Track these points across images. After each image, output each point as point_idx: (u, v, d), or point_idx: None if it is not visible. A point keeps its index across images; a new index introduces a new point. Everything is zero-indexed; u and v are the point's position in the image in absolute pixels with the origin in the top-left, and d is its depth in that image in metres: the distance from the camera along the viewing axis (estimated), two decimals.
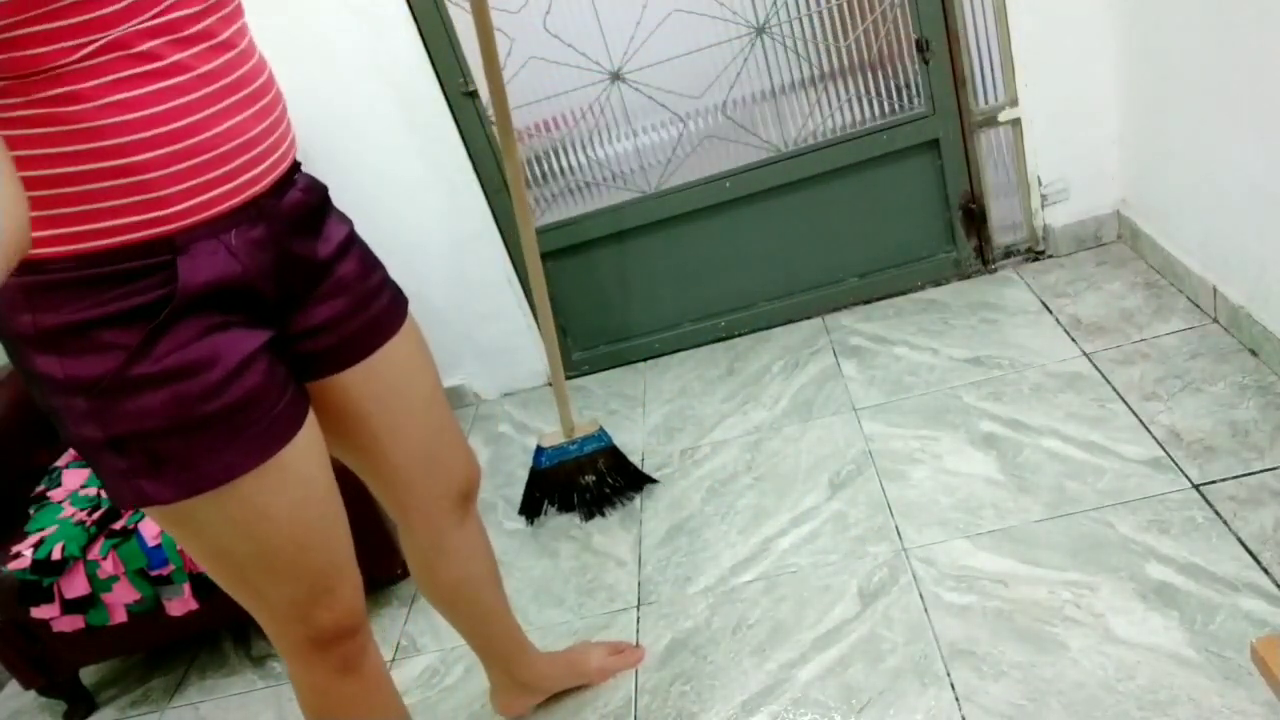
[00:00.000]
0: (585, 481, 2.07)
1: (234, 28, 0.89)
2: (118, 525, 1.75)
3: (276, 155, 0.95)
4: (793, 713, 1.49)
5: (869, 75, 2.33)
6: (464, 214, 2.44)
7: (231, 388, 0.89)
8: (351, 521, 1.83)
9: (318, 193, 1.05)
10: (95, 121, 0.78)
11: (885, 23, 2.27)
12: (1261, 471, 1.63)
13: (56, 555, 1.72)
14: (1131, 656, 1.40)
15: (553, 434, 2.07)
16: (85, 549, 1.73)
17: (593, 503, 2.07)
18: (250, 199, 0.91)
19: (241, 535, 0.96)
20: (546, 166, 2.43)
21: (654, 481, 2.10)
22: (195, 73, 0.83)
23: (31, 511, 1.86)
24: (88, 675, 2.06)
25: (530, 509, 2.12)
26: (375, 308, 1.09)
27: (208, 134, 0.84)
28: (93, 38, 0.76)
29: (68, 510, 1.82)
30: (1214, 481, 1.64)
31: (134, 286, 0.83)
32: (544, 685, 1.62)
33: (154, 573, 1.74)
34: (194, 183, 0.84)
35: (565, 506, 2.10)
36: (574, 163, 2.43)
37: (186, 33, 0.82)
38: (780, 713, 1.50)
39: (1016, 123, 2.35)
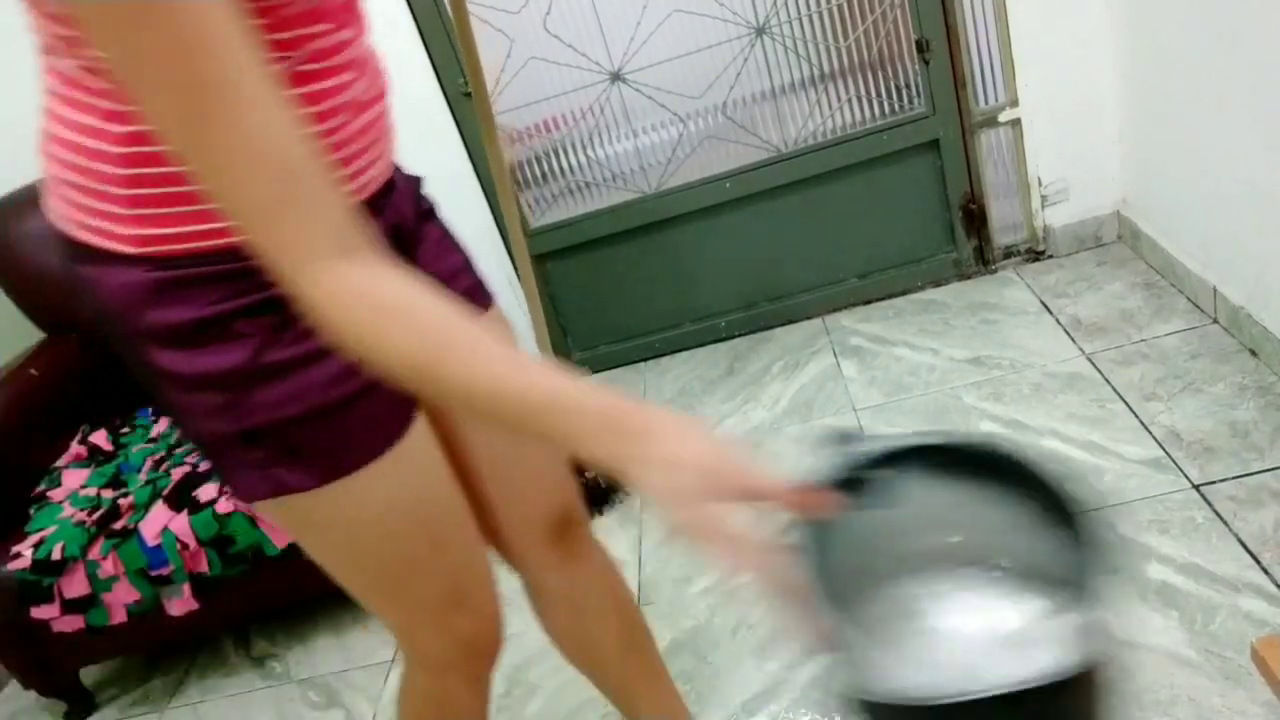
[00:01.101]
0: (583, 479, 2.03)
1: (370, 44, 0.90)
2: (118, 525, 1.75)
3: (389, 154, 0.95)
4: (793, 713, 1.49)
5: (869, 75, 2.33)
6: (464, 214, 2.42)
7: (355, 374, 0.87)
8: None
9: (414, 184, 1.05)
10: None
11: (885, 23, 2.27)
12: (1261, 472, 1.63)
13: (56, 555, 1.71)
14: (1131, 656, 1.40)
15: None
16: (85, 549, 1.73)
17: (590, 501, 2.05)
18: (370, 196, 0.91)
19: (369, 529, 0.94)
20: (546, 166, 2.43)
21: None
22: (348, 84, 0.83)
23: (31, 511, 1.86)
24: (88, 675, 2.05)
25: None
26: (458, 286, 1.04)
27: (349, 138, 0.85)
28: (288, 53, 0.76)
29: (68, 510, 1.82)
30: (1214, 482, 1.64)
31: (267, 279, 0.79)
32: None
33: (154, 573, 1.74)
34: (358, 160, 0.86)
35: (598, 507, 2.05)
36: (574, 163, 2.43)
37: (345, 56, 0.83)
38: (780, 713, 1.50)
39: (1016, 123, 2.35)
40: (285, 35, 0.75)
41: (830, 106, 2.36)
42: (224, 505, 1.73)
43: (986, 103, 2.34)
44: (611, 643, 1.26)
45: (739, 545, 0.62)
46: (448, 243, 1.05)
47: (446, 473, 1.00)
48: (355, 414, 0.88)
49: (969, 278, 2.50)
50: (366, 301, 0.66)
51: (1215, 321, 2.02)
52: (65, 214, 0.82)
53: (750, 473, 0.64)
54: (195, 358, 0.82)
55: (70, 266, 0.84)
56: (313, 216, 0.64)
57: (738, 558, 0.62)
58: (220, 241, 0.80)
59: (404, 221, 0.97)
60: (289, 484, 0.88)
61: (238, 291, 0.81)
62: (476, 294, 1.06)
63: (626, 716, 1.33)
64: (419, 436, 0.95)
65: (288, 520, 0.94)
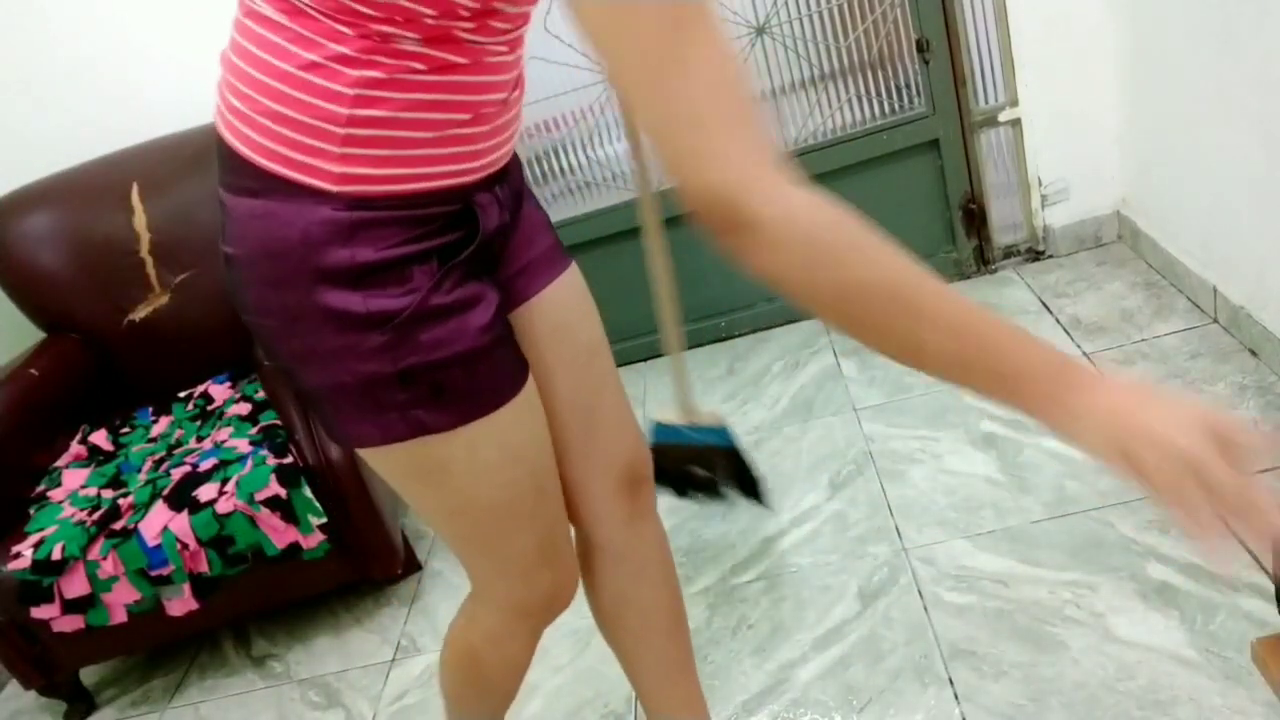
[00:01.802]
0: (698, 474, 1.76)
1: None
2: (118, 525, 1.75)
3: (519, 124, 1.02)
4: (793, 713, 1.49)
5: (869, 75, 2.33)
6: None
7: (497, 323, 0.94)
8: (352, 520, 1.84)
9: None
10: (466, 77, 0.85)
11: (885, 23, 2.27)
12: (1261, 471, 1.62)
13: (56, 555, 1.71)
14: (1131, 656, 1.40)
15: (671, 414, 1.81)
16: (85, 549, 1.73)
17: (702, 497, 1.81)
18: (505, 160, 0.99)
19: (490, 474, 0.98)
20: (546, 166, 2.43)
21: (765, 506, 1.85)
22: (515, 58, 0.91)
23: (31, 511, 1.85)
24: (88, 675, 2.05)
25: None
26: (540, 245, 1.09)
27: (507, 105, 0.92)
28: (473, 24, 0.82)
29: (68, 510, 1.82)
30: None
31: (440, 226, 0.89)
32: None
33: (154, 573, 1.74)
34: (494, 142, 0.92)
35: (675, 489, 1.80)
36: (574, 163, 2.43)
37: (520, 29, 0.90)
38: (780, 713, 1.50)
39: (1016, 123, 2.35)
40: (517, 9, 0.85)
41: (830, 106, 2.36)
42: (224, 505, 1.73)
43: (986, 102, 2.34)
44: (662, 618, 1.27)
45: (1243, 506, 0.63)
46: (533, 200, 1.12)
47: (546, 423, 1.05)
48: (494, 360, 0.94)
49: (969, 277, 2.50)
50: (823, 221, 0.69)
51: (1215, 321, 2.02)
52: (259, 144, 0.84)
53: (1230, 427, 0.64)
54: (370, 297, 0.86)
55: (247, 199, 0.86)
56: (764, 137, 0.67)
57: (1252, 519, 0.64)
58: (412, 186, 0.86)
59: (514, 178, 1.04)
60: (429, 425, 0.91)
61: (414, 237, 0.87)
62: (558, 250, 1.13)
63: (650, 702, 1.32)
64: (532, 385, 1.00)
65: (410, 464, 0.97)
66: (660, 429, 1.80)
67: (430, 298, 0.88)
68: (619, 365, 2.78)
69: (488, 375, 0.94)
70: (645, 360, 2.64)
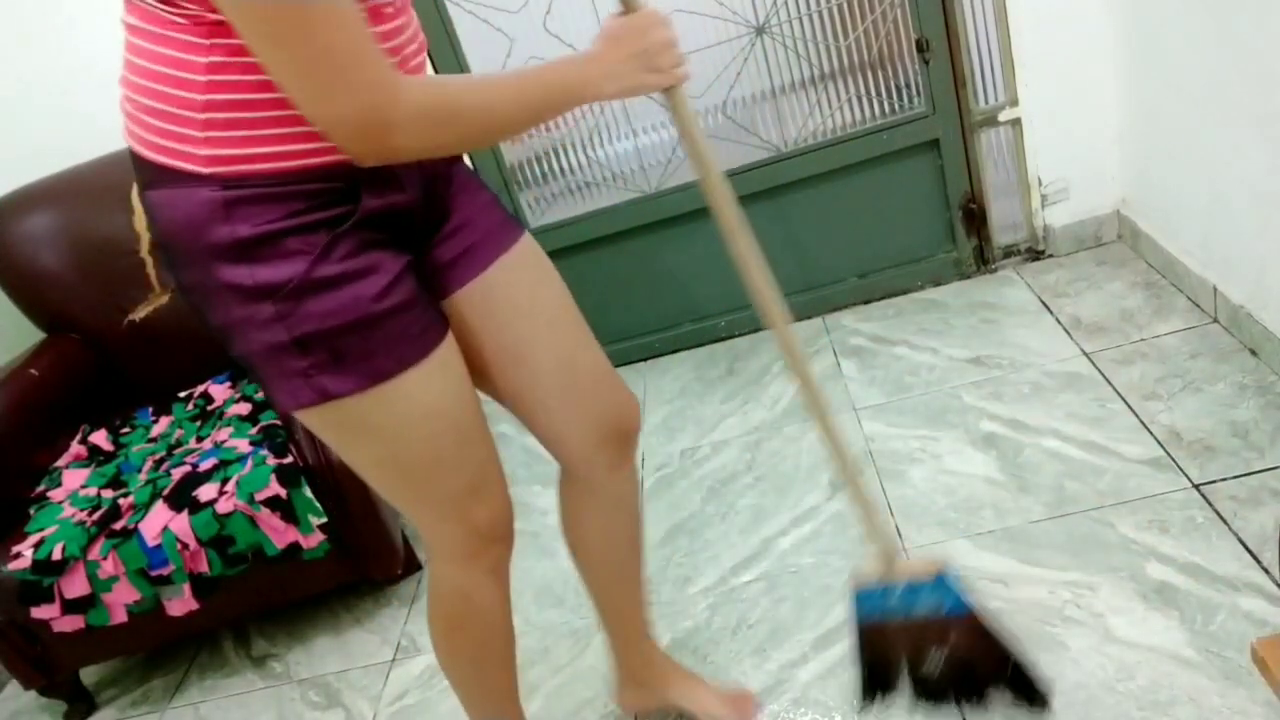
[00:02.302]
0: (928, 659, 1.22)
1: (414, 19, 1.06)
2: (118, 525, 1.75)
3: None
4: (793, 713, 1.49)
5: (869, 75, 2.33)
6: None
7: (394, 291, 0.99)
8: (352, 520, 1.84)
9: None
10: None
11: (885, 23, 2.27)
12: (1261, 471, 1.63)
13: (57, 555, 1.72)
14: (1131, 656, 1.40)
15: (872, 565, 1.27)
16: (85, 549, 1.73)
17: (942, 694, 1.24)
18: None
19: (408, 429, 1.04)
20: (546, 166, 2.44)
21: (1043, 703, 1.19)
22: (401, 30, 0.98)
23: (31, 511, 1.86)
24: (88, 675, 2.05)
25: (871, 688, 1.29)
26: (487, 221, 1.15)
27: None
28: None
29: (68, 510, 1.82)
30: (1214, 481, 1.64)
31: (323, 202, 0.95)
32: (657, 686, 1.50)
33: (154, 573, 1.74)
34: None
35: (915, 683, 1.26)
36: (574, 163, 2.43)
37: (400, 19, 0.98)
38: (780, 713, 1.50)
39: (1016, 123, 2.35)
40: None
41: (830, 106, 2.36)
42: (224, 505, 1.73)
43: (986, 102, 2.34)
44: (627, 540, 1.38)
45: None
46: (475, 182, 1.17)
47: (468, 379, 1.11)
48: (394, 326, 1.00)
49: (969, 277, 2.50)
50: (436, 91, 0.90)
51: (1215, 321, 2.02)
52: (143, 138, 0.93)
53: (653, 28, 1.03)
54: (255, 270, 0.93)
55: (149, 193, 0.95)
56: (376, 58, 0.84)
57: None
58: (281, 165, 0.92)
59: (438, 167, 1.09)
60: (331, 390, 0.98)
61: (293, 211, 0.93)
62: (508, 225, 1.18)
63: (609, 618, 1.45)
64: (448, 349, 1.07)
65: (327, 425, 1.05)
66: (861, 598, 1.27)
67: (316, 269, 0.94)
68: (619, 365, 2.79)
69: (385, 341, 0.99)
70: (645, 360, 2.64)
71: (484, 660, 1.29)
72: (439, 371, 1.05)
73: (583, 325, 1.24)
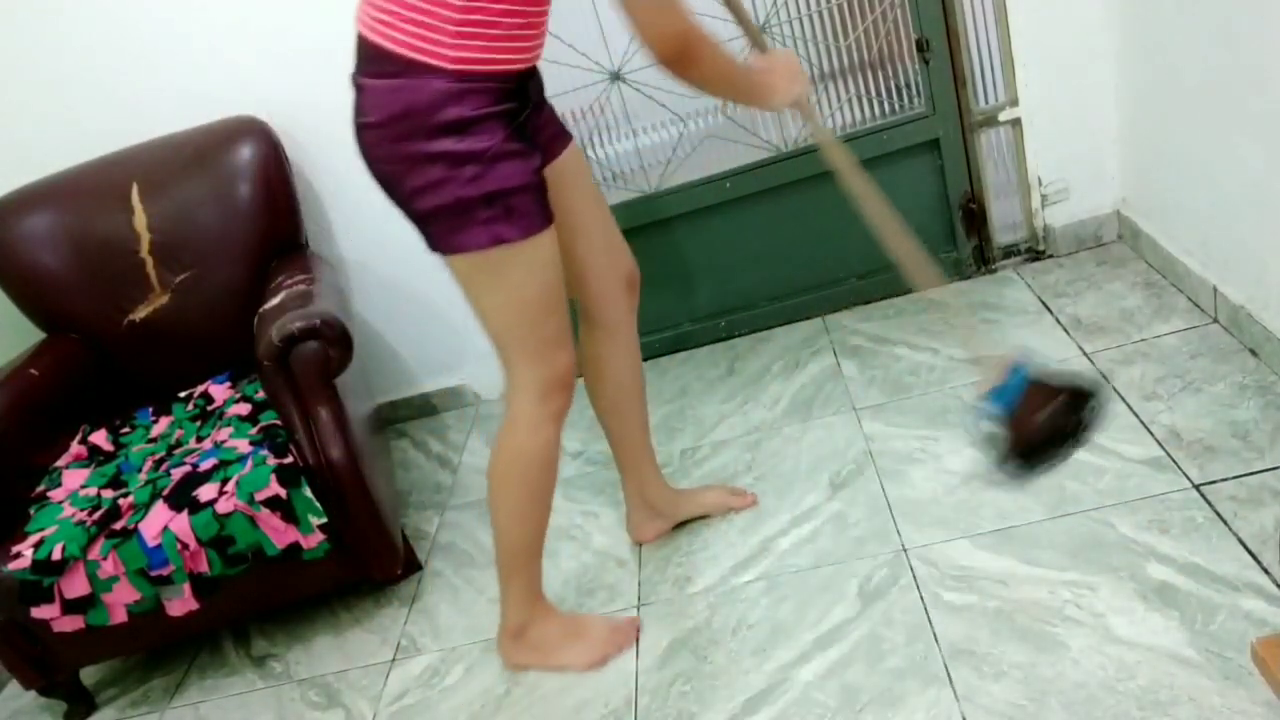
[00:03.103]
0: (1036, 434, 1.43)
1: None
2: (118, 525, 1.75)
3: None
4: (793, 713, 1.49)
5: (869, 75, 2.33)
6: None
7: (540, 169, 1.38)
8: (352, 520, 1.84)
9: None
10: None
11: (885, 23, 2.27)
12: (1262, 471, 1.63)
13: (57, 555, 1.71)
14: (1131, 656, 1.40)
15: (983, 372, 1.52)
16: (85, 549, 1.73)
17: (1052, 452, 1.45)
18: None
19: (534, 276, 1.41)
20: None
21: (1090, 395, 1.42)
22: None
23: (31, 511, 1.85)
24: (88, 675, 2.05)
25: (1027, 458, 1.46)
26: (556, 125, 1.56)
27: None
28: None
29: (68, 510, 1.82)
30: (1214, 481, 1.64)
31: (511, 95, 1.34)
32: (669, 510, 1.91)
33: (154, 573, 1.74)
34: (543, 32, 1.37)
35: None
36: None
37: None
38: (780, 713, 1.50)
39: (1016, 123, 2.35)
40: None
41: (830, 106, 2.36)
42: (224, 505, 1.73)
43: (986, 102, 2.34)
44: (637, 378, 1.80)
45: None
46: (545, 101, 1.55)
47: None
48: (541, 194, 1.38)
49: (969, 277, 2.50)
50: (715, 49, 1.32)
51: (1215, 321, 2.02)
52: (396, 38, 1.28)
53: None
54: (465, 140, 1.29)
55: (385, 80, 1.30)
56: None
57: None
58: (499, 68, 1.30)
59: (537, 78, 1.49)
60: (502, 236, 1.35)
61: (495, 101, 1.31)
62: (564, 129, 1.58)
63: (626, 456, 1.85)
64: (553, 225, 1.43)
65: (477, 270, 1.39)
66: (999, 396, 1.46)
67: (505, 144, 1.31)
68: None
69: (539, 204, 1.38)
70: (645, 360, 2.63)
71: (541, 495, 1.58)
72: (553, 236, 1.42)
73: (606, 202, 1.68)
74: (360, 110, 1.34)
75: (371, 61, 1.32)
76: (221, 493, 1.74)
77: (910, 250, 1.53)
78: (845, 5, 2.25)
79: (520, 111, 1.35)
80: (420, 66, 1.27)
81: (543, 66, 1.49)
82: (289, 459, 1.78)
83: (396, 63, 1.28)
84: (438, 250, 1.39)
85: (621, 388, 1.77)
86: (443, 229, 1.35)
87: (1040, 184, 2.40)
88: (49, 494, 1.90)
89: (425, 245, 1.41)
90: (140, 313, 2.20)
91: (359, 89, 1.34)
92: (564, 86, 2.30)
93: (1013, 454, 1.45)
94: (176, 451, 1.96)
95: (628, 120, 2.38)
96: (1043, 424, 1.41)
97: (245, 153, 2.18)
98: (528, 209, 1.36)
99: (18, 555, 1.74)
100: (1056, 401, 1.41)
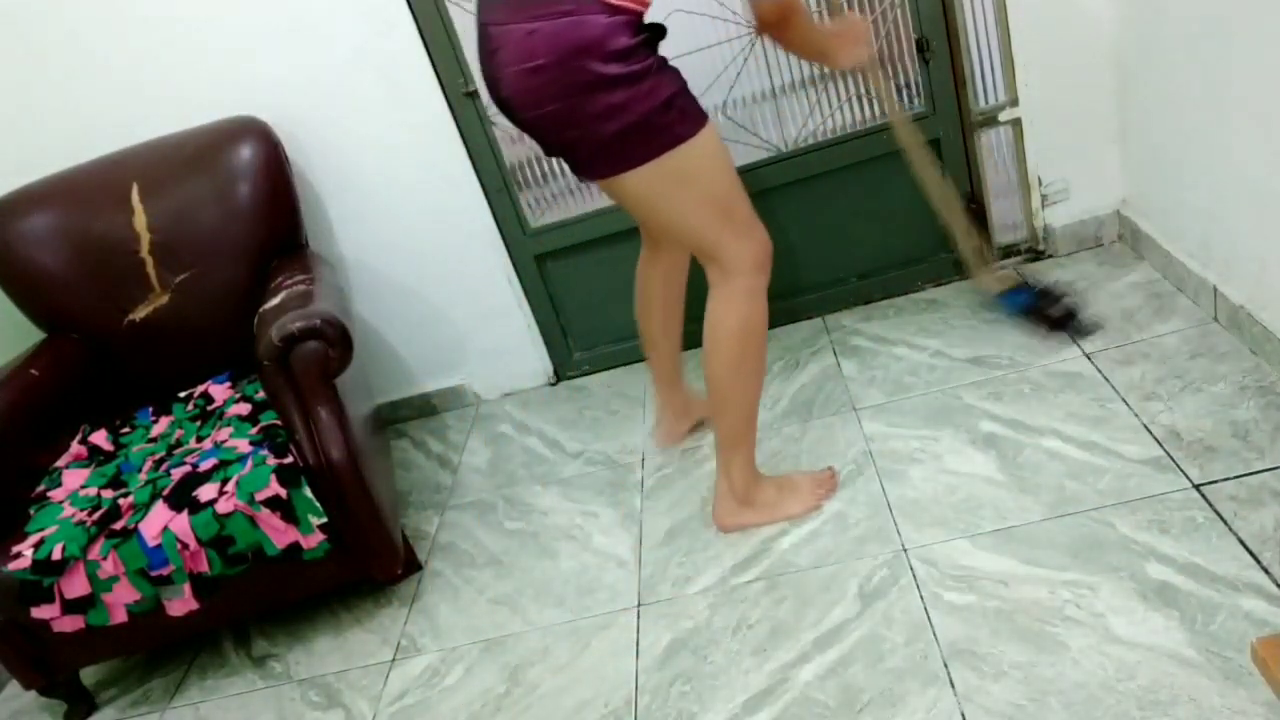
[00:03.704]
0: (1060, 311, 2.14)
1: None
2: (118, 525, 1.75)
3: None
4: (793, 713, 1.49)
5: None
6: (464, 214, 2.44)
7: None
8: (352, 520, 1.84)
9: None
10: None
11: (885, 23, 2.27)
12: (1262, 471, 1.63)
13: (57, 555, 1.72)
14: (1131, 656, 1.40)
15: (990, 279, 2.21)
16: (85, 549, 1.73)
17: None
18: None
19: (715, 165, 1.62)
20: (547, 167, 2.43)
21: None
22: None
23: (32, 511, 1.86)
24: (88, 675, 2.06)
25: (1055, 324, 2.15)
26: None
27: None
28: None
29: (68, 510, 1.82)
30: (1214, 481, 1.64)
31: (644, 26, 1.53)
32: (694, 411, 2.22)
33: (154, 573, 1.74)
34: None
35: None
36: None
37: None
38: (780, 713, 1.50)
39: (1016, 123, 2.35)
40: None
41: (830, 106, 2.36)
42: (224, 505, 1.73)
43: (986, 102, 2.34)
44: (683, 294, 2.08)
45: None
46: None
47: None
48: (692, 95, 1.59)
49: (969, 277, 2.50)
50: (806, 14, 1.66)
51: (1215, 321, 2.02)
52: None
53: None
54: (632, 63, 1.49)
55: (560, 19, 1.46)
56: None
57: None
58: (643, 9, 1.52)
59: None
60: (682, 134, 1.55)
61: (641, 31, 1.51)
62: None
63: (663, 362, 2.16)
64: None
65: (674, 171, 1.58)
66: (1009, 299, 2.21)
67: (657, 60, 1.53)
68: (619, 365, 2.81)
69: (695, 103, 1.59)
70: (645, 360, 2.63)
71: (762, 360, 1.80)
72: (715, 130, 1.61)
73: None
74: (528, 54, 1.48)
75: (533, 5, 1.47)
76: (222, 493, 1.74)
77: (965, 230, 1.95)
78: (845, 5, 2.24)
79: (654, 38, 1.56)
80: (586, 6, 1.45)
81: None
82: (289, 459, 1.78)
83: (566, 2, 1.45)
84: (637, 162, 1.55)
85: (669, 301, 2.04)
86: (633, 145, 1.53)
87: (1040, 184, 2.40)
88: (49, 494, 1.90)
89: (594, 174, 1.62)
90: (140, 312, 2.21)
91: (527, 34, 1.47)
92: None
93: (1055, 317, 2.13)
94: (176, 451, 1.96)
95: None
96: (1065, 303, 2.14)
97: (245, 153, 2.18)
98: (692, 107, 1.57)
99: (18, 555, 1.74)
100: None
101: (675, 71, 1.56)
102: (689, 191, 1.61)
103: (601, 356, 2.65)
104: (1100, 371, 1.99)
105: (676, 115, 1.54)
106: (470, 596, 1.97)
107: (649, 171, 1.55)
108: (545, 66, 1.47)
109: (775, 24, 1.61)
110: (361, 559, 1.88)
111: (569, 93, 1.48)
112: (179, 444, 1.99)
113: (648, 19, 1.57)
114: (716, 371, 1.77)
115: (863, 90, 2.34)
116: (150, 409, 2.17)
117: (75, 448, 2.04)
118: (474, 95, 2.31)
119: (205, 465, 1.82)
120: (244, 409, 2.01)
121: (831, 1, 1.96)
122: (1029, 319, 2.17)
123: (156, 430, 2.08)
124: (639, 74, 1.48)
